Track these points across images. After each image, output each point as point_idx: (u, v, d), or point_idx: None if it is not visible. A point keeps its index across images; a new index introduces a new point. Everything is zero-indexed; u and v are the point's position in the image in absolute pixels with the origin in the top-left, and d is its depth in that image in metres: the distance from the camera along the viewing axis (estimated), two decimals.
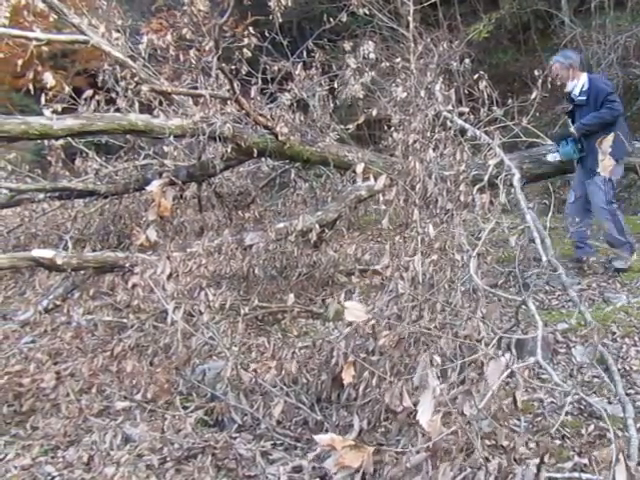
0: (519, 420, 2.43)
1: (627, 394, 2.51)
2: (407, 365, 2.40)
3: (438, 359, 2.01)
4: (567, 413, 2.32)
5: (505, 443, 2.02)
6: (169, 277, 3.10)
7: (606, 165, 3.15)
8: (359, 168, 3.17)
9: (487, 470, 1.84)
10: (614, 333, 3.42)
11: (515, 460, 1.98)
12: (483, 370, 2.02)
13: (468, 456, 1.89)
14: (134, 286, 3.28)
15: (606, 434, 2.29)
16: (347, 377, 2.30)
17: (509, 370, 1.95)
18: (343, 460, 1.60)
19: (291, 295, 3.64)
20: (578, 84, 4.52)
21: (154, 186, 2.89)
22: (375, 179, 3.12)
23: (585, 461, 2.20)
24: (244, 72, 5.56)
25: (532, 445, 2.30)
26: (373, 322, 2.53)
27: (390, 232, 6.98)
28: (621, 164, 4.43)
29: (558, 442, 2.41)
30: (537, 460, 1.91)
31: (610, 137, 3.14)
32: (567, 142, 4.53)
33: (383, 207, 3.33)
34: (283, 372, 2.85)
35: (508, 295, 2.86)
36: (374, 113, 5.05)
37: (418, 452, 1.85)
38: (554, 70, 4.67)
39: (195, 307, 3.13)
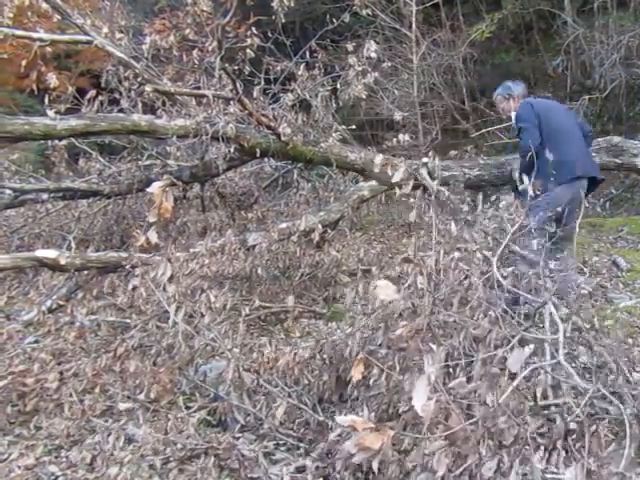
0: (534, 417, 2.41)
1: (631, 395, 2.51)
2: (418, 362, 2.38)
3: (434, 348, 2.00)
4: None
5: (511, 439, 2.01)
6: (170, 279, 3.10)
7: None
8: (378, 159, 3.14)
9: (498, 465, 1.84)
10: (616, 334, 3.41)
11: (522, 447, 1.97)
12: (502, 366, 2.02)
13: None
14: (135, 288, 3.29)
15: (608, 434, 2.28)
16: (357, 374, 2.29)
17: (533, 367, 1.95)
18: (363, 441, 1.60)
19: (290, 297, 3.65)
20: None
21: (155, 188, 2.88)
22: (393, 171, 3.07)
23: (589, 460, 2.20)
24: (247, 72, 5.57)
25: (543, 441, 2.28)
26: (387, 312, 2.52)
27: (392, 232, 7.02)
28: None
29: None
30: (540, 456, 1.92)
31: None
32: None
33: (409, 201, 3.24)
34: (285, 372, 2.85)
35: (529, 295, 2.82)
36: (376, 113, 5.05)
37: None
38: (497, 104, 4.50)
39: (197, 308, 3.13)
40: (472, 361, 2.19)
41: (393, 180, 3.00)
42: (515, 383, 1.92)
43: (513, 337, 2.18)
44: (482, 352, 2.19)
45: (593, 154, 5.19)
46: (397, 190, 3.14)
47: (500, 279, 2.52)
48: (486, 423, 1.88)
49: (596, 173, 4.15)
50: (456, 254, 2.71)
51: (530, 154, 3.77)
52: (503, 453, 1.91)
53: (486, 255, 2.73)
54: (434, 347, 1.98)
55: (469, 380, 2.08)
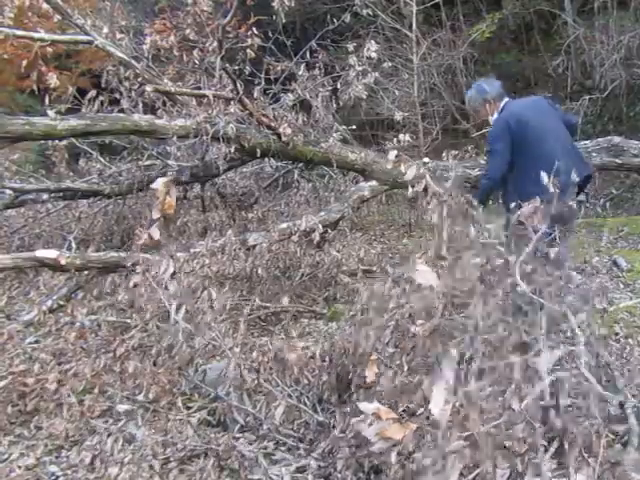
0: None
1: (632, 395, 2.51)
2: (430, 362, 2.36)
3: (454, 352, 1.97)
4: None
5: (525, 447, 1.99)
6: (172, 277, 3.10)
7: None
8: (391, 155, 3.11)
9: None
10: (617, 334, 3.41)
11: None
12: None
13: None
14: (135, 285, 3.28)
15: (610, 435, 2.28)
16: (370, 375, 2.26)
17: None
18: (385, 431, 1.57)
19: (285, 297, 3.65)
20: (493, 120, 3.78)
21: (158, 183, 2.89)
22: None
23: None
24: (247, 72, 5.57)
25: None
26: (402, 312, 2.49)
27: (392, 232, 7.02)
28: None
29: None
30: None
31: None
32: None
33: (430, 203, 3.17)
34: (285, 372, 2.85)
35: (548, 303, 2.76)
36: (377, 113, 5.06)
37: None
38: (471, 109, 4.03)
39: (198, 308, 3.13)
40: (489, 365, 2.17)
41: (406, 177, 2.98)
42: (537, 389, 1.88)
43: (534, 340, 2.14)
44: (499, 356, 2.16)
45: (593, 154, 5.18)
46: (410, 189, 3.10)
47: (520, 284, 2.46)
48: (507, 430, 1.84)
49: (585, 171, 3.73)
50: (474, 255, 2.67)
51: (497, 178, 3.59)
52: (517, 460, 1.89)
53: (507, 258, 2.69)
54: (451, 351, 1.95)
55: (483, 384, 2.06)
